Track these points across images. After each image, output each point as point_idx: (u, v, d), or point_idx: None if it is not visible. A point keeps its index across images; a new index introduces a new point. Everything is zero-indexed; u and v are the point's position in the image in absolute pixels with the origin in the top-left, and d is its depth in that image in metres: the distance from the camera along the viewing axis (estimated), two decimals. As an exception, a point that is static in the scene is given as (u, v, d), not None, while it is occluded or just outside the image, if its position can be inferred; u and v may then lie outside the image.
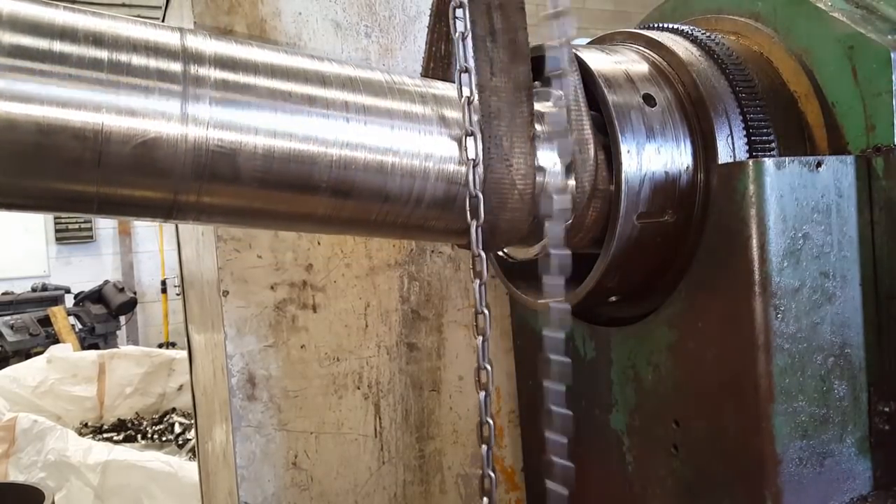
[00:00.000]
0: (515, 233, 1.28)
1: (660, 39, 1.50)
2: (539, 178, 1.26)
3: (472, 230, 1.20)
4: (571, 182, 1.31)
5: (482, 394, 1.22)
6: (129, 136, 0.98)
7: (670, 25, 1.60)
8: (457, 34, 1.24)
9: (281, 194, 1.14)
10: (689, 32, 1.55)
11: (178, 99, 1.01)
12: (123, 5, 10.23)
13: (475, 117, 1.22)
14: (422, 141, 1.20)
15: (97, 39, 0.97)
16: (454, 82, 1.24)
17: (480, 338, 1.22)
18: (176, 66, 1.02)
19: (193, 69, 1.03)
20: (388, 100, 1.19)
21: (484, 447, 1.22)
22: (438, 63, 1.42)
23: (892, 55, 1.35)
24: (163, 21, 2.23)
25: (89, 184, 1.00)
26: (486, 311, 1.22)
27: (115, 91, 0.97)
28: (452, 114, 1.24)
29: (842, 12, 1.46)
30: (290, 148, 1.09)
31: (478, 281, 1.22)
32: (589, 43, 1.68)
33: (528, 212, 1.25)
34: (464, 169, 1.22)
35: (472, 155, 1.20)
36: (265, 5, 1.76)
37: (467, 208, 1.19)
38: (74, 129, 0.95)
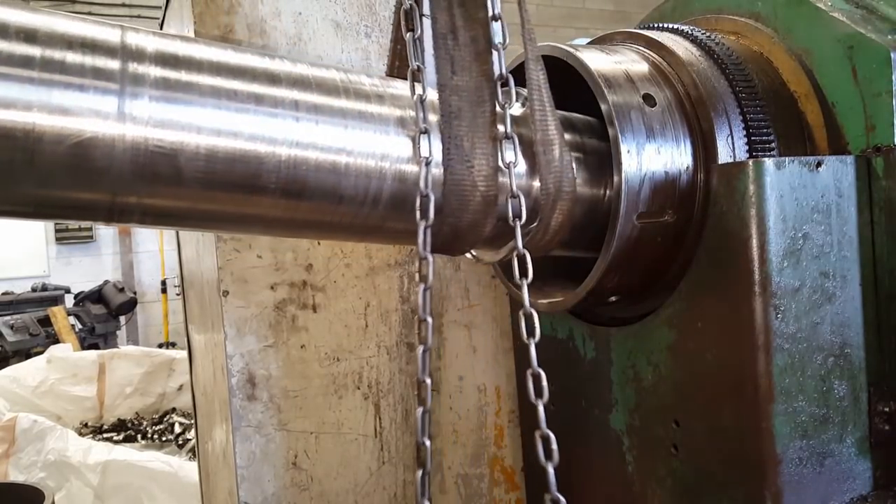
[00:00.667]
0: (478, 235, 1.26)
1: (660, 39, 1.50)
2: (502, 180, 1.23)
3: (420, 231, 1.15)
4: (536, 183, 1.28)
5: (420, 409, 1.13)
6: (63, 136, 0.95)
7: (670, 25, 1.61)
8: (408, 34, 1.20)
9: (228, 195, 1.11)
10: (689, 32, 1.55)
11: (115, 97, 0.98)
12: (123, 5, 10.23)
13: (429, 116, 1.19)
14: (377, 141, 1.18)
15: (29, 36, 0.95)
16: (420, 81, 1.22)
17: (421, 347, 1.15)
18: (113, 64, 0.99)
19: (132, 67, 1.00)
20: (341, 99, 1.17)
21: (419, 471, 1.12)
22: (404, 62, 1.39)
23: (892, 55, 1.35)
24: (162, 22, 2.23)
25: (22, 185, 0.98)
26: (429, 319, 1.15)
27: (48, 89, 0.94)
28: (411, 113, 1.21)
29: (842, 12, 1.46)
30: (235, 148, 1.06)
31: (422, 285, 1.16)
32: (589, 43, 1.68)
33: (491, 214, 1.23)
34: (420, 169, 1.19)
35: (424, 153, 1.17)
36: (265, 5, 1.76)
37: (417, 208, 1.15)
38: (4, 129, 0.92)
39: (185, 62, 1.05)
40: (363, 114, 1.18)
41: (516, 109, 1.33)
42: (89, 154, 0.97)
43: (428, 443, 1.11)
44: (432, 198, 1.16)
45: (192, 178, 1.05)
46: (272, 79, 1.12)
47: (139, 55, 1.02)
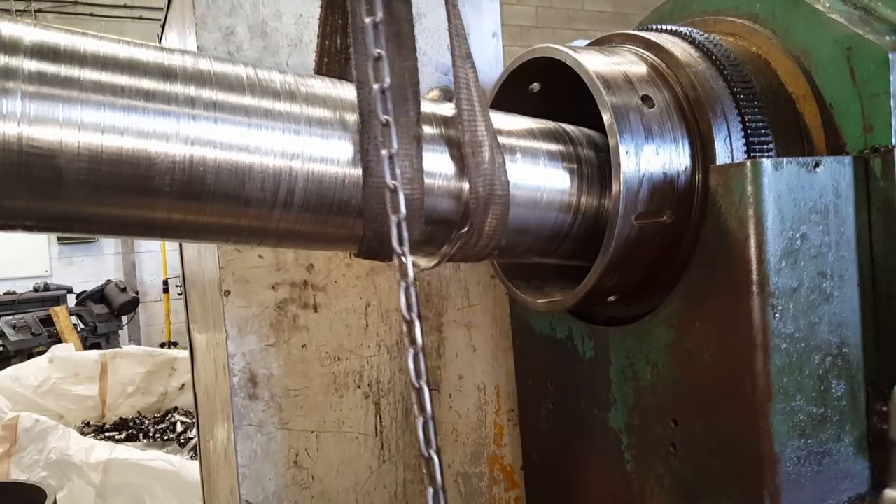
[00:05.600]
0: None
1: (658, 41, 1.50)
2: (430, 182, 1.19)
3: (393, 226, 1.09)
4: (467, 186, 1.24)
5: (420, 422, 1.08)
6: None
7: (668, 27, 1.61)
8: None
9: (119, 198, 1.05)
10: (688, 34, 1.55)
11: None
12: (125, 6, 10.22)
13: (350, 115, 1.14)
14: (286, 140, 1.13)
15: None
16: (351, 80, 1.17)
17: (412, 351, 1.13)
18: None
19: (4, 60, 0.94)
20: (246, 96, 1.11)
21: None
22: (333, 58, 1.34)
23: (890, 56, 1.35)
24: (164, 23, 2.23)
25: None
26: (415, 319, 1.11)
27: None
28: (324, 112, 1.17)
29: (840, 13, 1.47)
30: (122, 147, 1.00)
31: (402, 283, 1.10)
32: (587, 45, 1.69)
33: (417, 218, 1.19)
34: (337, 170, 1.15)
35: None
36: (266, 7, 1.77)
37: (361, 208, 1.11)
38: None
39: (67, 55, 0.99)
40: (270, 112, 1.12)
41: (447, 109, 1.30)
42: None
43: (434, 455, 1.06)
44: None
45: (76, 181, 0.99)
46: (166, 74, 1.06)
47: (13, 47, 0.96)
